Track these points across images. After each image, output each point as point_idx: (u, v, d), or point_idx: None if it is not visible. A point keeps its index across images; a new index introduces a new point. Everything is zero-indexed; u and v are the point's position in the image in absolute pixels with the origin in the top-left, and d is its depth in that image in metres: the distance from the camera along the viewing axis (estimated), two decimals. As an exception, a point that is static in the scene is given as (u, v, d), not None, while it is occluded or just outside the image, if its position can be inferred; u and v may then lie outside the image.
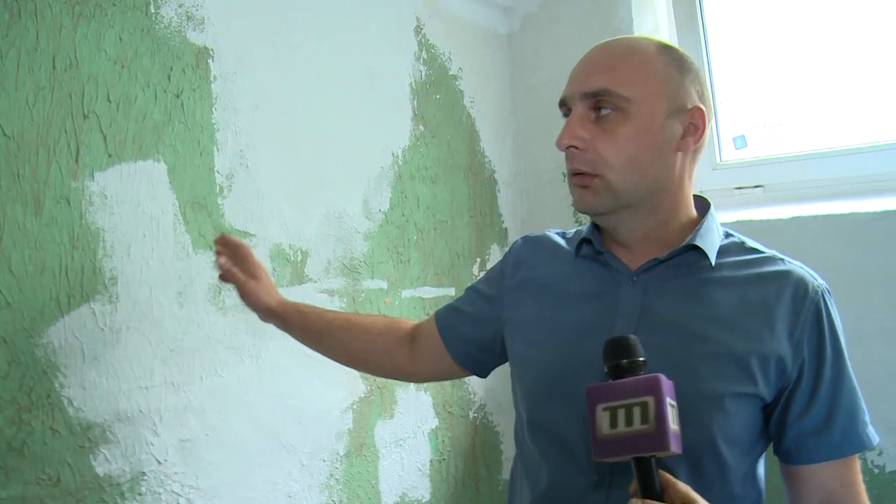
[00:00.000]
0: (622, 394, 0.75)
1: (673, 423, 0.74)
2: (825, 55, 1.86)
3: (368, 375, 1.76)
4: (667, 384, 0.76)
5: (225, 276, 1.30)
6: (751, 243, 1.04)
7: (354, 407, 1.73)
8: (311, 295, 1.65)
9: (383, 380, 1.80)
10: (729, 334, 0.94)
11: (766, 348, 0.93)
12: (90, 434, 1.28)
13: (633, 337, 0.79)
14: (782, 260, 1.01)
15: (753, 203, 1.92)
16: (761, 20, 1.96)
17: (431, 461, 1.93)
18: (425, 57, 1.96)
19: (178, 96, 1.42)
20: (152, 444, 1.36)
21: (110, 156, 1.32)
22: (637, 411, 0.74)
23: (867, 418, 0.97)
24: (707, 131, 1.01)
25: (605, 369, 0.79)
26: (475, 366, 1.23)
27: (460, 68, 2.07)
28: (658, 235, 1.02)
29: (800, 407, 0.95)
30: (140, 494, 1.34)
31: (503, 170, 2.20)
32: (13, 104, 1.21)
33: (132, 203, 1.35)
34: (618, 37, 1.02)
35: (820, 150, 1.86)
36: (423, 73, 1.95)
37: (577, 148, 0.96)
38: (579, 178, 0.98)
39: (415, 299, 1.89)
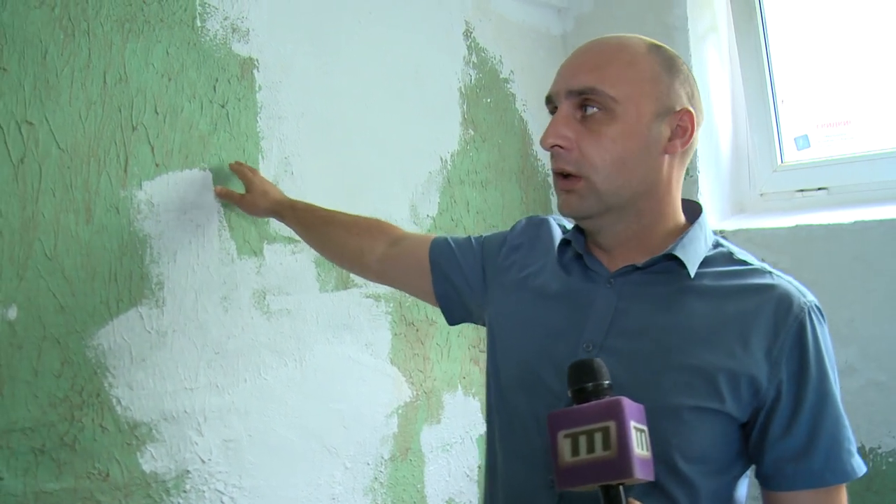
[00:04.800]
0: (583, 419, 0.72)
1: (639, 449, 0.70)
2: (893, 48, 1.76)
3: (415, 381, 1.78)
4: (632, 407, 0.72)
5: (221, 196, 1.46)
6: (740, 255, 0.99)
7: (399, 411, 1.75)
8: (357, 300, 1.68)
9: (430, 384, 1.81)
10: (698, 347, 0.90)
11: (735, 365, 0.88)
12: (137, 432, 1.34)
13: (597, 360, 0.76)
14: (770, 273, 0.95)
15: (817, 206, 1.83)
16: (824, 13, 1.87)
17: (480, 467, 1.92)
18: (475, 61, 1.96)
19: (223, 106, 1.47)
20: (197, 443, 1.41)
21: (157, 166, 1.38)
22: (599, 437, 0.70)
23: (853, 447, 0.90)
24: (696, 135, 0.97)
25: (569, 394, 0.76)
26: (449, 309, 1.25)
27: (512, 71, 2.05)
28: (641, 240, 0.99)
29: (778, 430, 0.89)
30: (185, 492, 1.39)
31: (557, 173, 2.17)
32: (67, 119, 1.28)
33: (178, 211, 1.41)
34: (609, 35, 1.00)
35: (889, 150, 1.76)
36: (473, 77, 1.95)
37: (561, 147, 0.94)
38: (564, 181, 0.96)
39: (463, 304, 1.89)
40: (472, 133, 1.94)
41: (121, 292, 1.33)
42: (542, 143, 0.96)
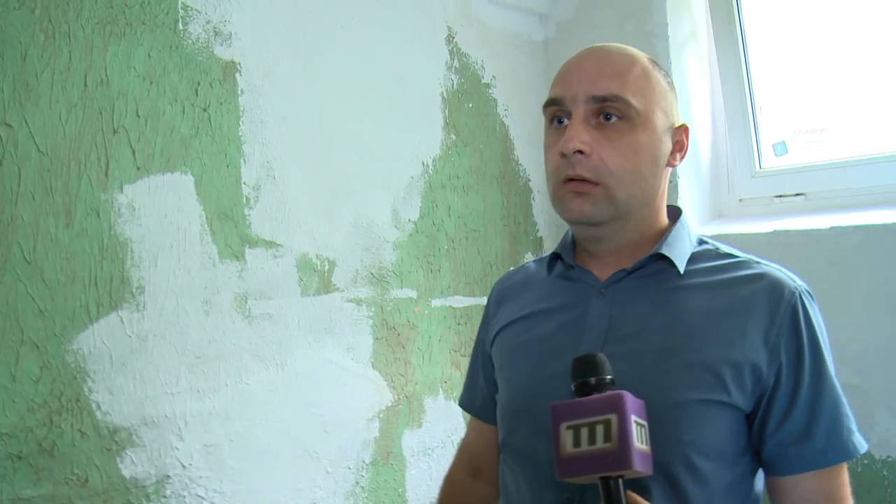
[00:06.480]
0: (585, 412, 0.74)
1: (639, 442, 0.72)
2: (869, 57, 1.79)
3: (396, 385, 1.78)
4: (633, 402, 0.74)
5: None
6: (725, 249, 1.02)
7: (381, 415, 1.75)
8: (339, 304, 1.68)
9: (411, 389, 1.81)
10: (699, 342, 0.91)
11: (738, 355, 0.90)
12: (117, 437, 1.33)
13: (600, 355, 0.78)
14: (757, 263, 0.98)
15: (794, 212, 1.86)
16: (801, 22, 1.90)
17: (461, 470, 1.92)
18: (457, 66, 1.97)
19: (205, 110, 1.46)
20: (177, 448, 1.40)
21: (139, 169, 1.37)
22: (600, 429, 0.72)
23: (853, 426, 0.92)
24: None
25: (573, 387, 0.78)
26: None
27: (493, 76, 2.06)
28: (634, 247, 1.00)
29: (779, 414, 0.91)
30: (165, 497, 1.38)
31: (538, 178, 2.18)
32: (47, 121, 1.27)
33: (160, 214, 1.40)
34: (607, 43, 1.00)
35: (864, 157, 1.79)
36: (455, 82, 1.96)
37: (582, 153, 0.93)
38: (577, 184, 0.94)
39: (445, 308, 1.90)
40: (454, 138, 1.95)
41: (101, 296, 1.32)
42: (564, 148, 0.93)
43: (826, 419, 0.90)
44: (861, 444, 0.92)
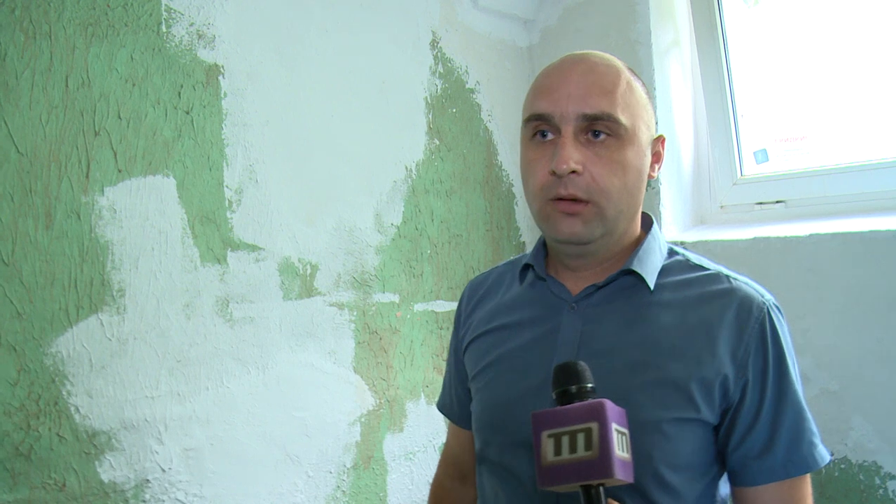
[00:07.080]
0: (567, 420, 0.74)
1: (620, 450, 0.72)
2: (849, 67, 1.81)
3: (378, 389, 1.78)
4: (614, 410, 0.74)
5: None
6: (696, 260, 1.02)
7: (362, 420, 1.75)
8: (321, 308, 1.67)
9: (393, 393, 1.81)
10: (669, 360, 0.92)
11: (707, 372, 0.91)
12: (96, 441, 1.32)
13: (581, 363, 0.78)
14: (727, 277, 0.98)
15: (775, 219, 1.88)
16: (783, 31, 1.92)
17: (443, 475, 1.93)
18: (441, 71, 1.97)
19: (188, 113, 1.46)
20: (157, 452, 1.39)
21: (120, 171, 1.37)
22: (581, 438, 0.72)
23: (815, 438, 0.94)
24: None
25: (553, 395, 0.78)
26: None
27: (478, 82, 2.07)
28: (610, 259, 1.00)
29: (743, 428, 0.92)
30: (144, 501, 1.37)
31: (521, 183, 2.18)
32: (27, 122, 1.26)
33: (141, 217, 1.39)
34: (590, 52, 0.99)
35: (844, 165, 1.81)
36: (439, 87, 1.96)
37: (574, 172, 0.91)
38: (568, 204, 0.92)
39: (427, 313, 1.90)
40: (438, 143, 1.95)
41: (81, 299, 1.31)
42: (558, 169, 0.90)
43: (788, 433, 0.92)
44: (823, 456, 0.94)
